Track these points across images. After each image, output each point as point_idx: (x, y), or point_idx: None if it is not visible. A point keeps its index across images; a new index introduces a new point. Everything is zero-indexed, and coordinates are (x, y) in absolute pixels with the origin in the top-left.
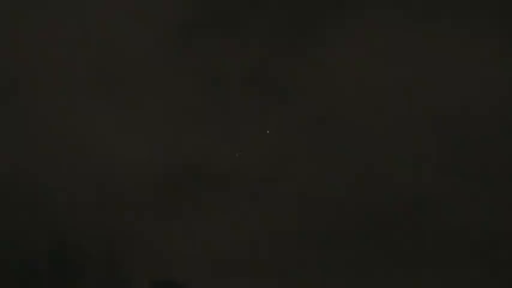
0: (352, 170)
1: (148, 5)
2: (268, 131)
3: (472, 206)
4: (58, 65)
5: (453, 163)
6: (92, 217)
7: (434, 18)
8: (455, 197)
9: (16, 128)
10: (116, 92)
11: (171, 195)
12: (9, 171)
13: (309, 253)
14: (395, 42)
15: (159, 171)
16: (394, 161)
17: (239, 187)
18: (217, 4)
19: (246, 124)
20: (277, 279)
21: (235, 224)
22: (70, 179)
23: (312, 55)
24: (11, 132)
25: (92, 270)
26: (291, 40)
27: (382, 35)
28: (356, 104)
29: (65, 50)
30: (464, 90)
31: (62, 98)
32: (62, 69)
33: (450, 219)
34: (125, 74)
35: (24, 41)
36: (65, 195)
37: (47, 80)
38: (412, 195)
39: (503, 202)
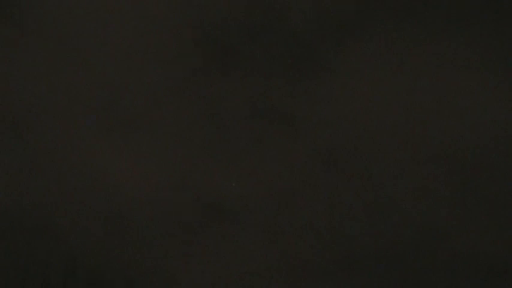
0: (361, 201)
1: (152, 42)
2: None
3: (484, 236)
4: (67, 102)
5: (465, 194)
6: (101, 252)
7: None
8: (467, 227)
9: (25, 163)
10: (123, 128)
11: (182, 230)
12: (17, 207)
13: (323, 283)
14: (403, 70)
15: (168, 205)
16: (404, 192)
17: (247, 219)
18: (219, 38)
19: (250, 157)
20: None
21: (247, 256)
22: (79, 213)
23: (315, 87)
24: (19, 167)
25: None
26: (292, 72)
27: (389, 63)
28: (362, 134)
29: (73, 86)
30: (482, 121)
31: (70, 133)
32: (71, 105)
33: (463, 249)
34: (131, 110)
35: (33, 74)
36: (74, 230)
37: (55, 117)
38: (424, 226)
39: None
